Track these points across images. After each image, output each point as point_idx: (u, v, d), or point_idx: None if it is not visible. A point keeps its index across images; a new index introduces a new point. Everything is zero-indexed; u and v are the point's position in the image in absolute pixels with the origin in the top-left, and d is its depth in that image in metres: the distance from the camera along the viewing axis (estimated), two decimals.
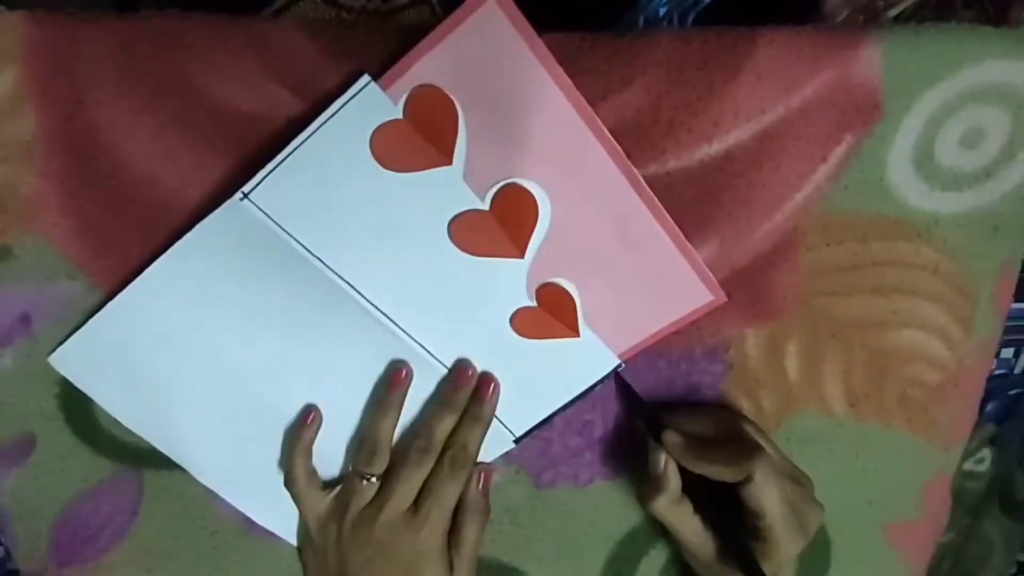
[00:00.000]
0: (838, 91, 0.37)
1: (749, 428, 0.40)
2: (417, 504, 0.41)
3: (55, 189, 0.38)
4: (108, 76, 0.36)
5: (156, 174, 0.38)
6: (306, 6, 0.49)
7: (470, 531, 0.42)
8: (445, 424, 0.41)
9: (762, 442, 0.39)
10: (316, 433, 0.42)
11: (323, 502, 0.42)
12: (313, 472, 0.43)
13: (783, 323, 0.42)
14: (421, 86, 0.35)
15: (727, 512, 0.39)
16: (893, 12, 0.48)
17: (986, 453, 0.68)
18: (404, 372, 0.41)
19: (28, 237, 0.39)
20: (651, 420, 0.41)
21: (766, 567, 0.38)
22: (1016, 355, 0.67)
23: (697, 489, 0.39)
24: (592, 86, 0.36)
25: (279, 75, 0.36)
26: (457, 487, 0.41)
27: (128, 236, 0.39)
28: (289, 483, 0.43)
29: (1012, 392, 0.68)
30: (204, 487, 0.44)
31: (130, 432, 0.43)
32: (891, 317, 0.42)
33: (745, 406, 0.44)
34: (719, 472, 0.38)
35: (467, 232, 0.38)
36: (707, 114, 0.37)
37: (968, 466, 0.68)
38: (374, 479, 0.41)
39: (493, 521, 0.46)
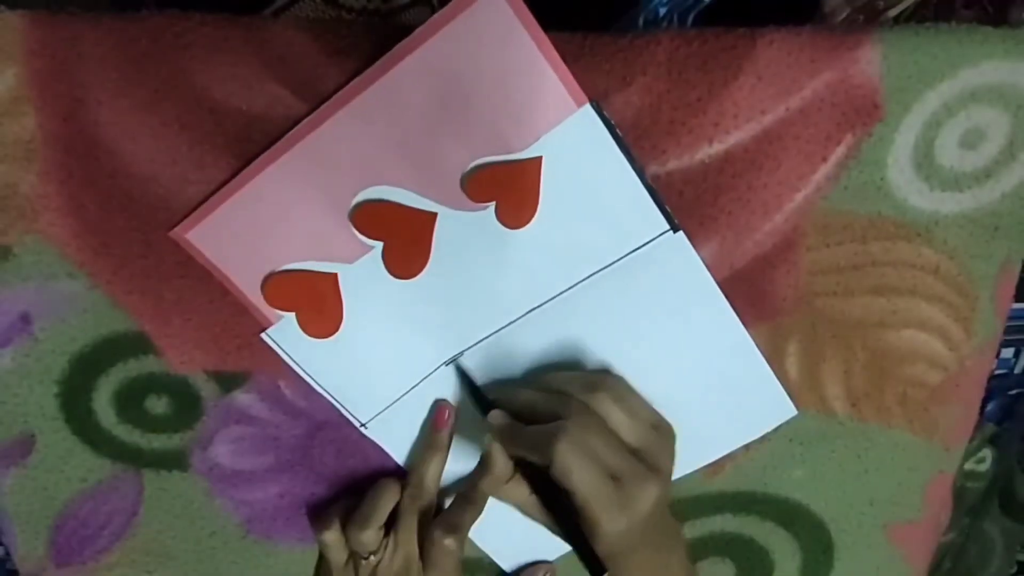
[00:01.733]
0: (838, 92, 0.37)
1: (581, 395, 0.38)
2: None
3: (55, 189, 0.38)
4: (108, 76, 0.36)
5: (156, 174, 0.38)
6: (306, 6, 0.49)
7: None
8: (432, 467, 0.43)
9: (599, 404, 0.38)
10: (349, 507, 0.43)
11: (344, 557, 0.43)
12: (340, 534, 0.43)
13: (783, 323, 0.42)
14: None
15: (557, 492, 0.37)
16: (893, 12, 0.48)
17: (986, 453, 0.68)
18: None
19: (28, 237, 0.39)
20: (481, 399, 0.41)
21: (595, 544, 0.37)
22: (1016, 355, 0.67)
23: (533, 469, 0.38)
24: (593, 85, 0.36)
25: (279, 75, 0.36)
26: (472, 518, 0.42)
27: (128, 236, 0.39)
28: (319, 544, 0.44)
29: (1012, 392, 0.68)
30: (204, 487, 0.44)
31: (130, 432, 0.43)
32: (891, 317, 0.42)
33: None
34: (528, 455, 0.37)
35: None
36: (707, 114, 0.37)
37: (969, 466, 0.68)
38: (371, 557, 0.42)
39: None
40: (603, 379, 0.40)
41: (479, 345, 0.41)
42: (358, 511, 0.42)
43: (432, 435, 0.43)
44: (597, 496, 0.35)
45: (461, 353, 0.42)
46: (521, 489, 0.40)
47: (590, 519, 0.36)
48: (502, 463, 0.39)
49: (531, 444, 0.37)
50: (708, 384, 0.42)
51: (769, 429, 0.44)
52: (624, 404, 0.39)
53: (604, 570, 0.37)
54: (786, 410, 0.44)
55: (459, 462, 0.44)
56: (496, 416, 0.39)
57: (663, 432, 0.41)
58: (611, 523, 0.36)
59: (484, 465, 0.39)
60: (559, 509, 0.39)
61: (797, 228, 0.40)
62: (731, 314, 0.41)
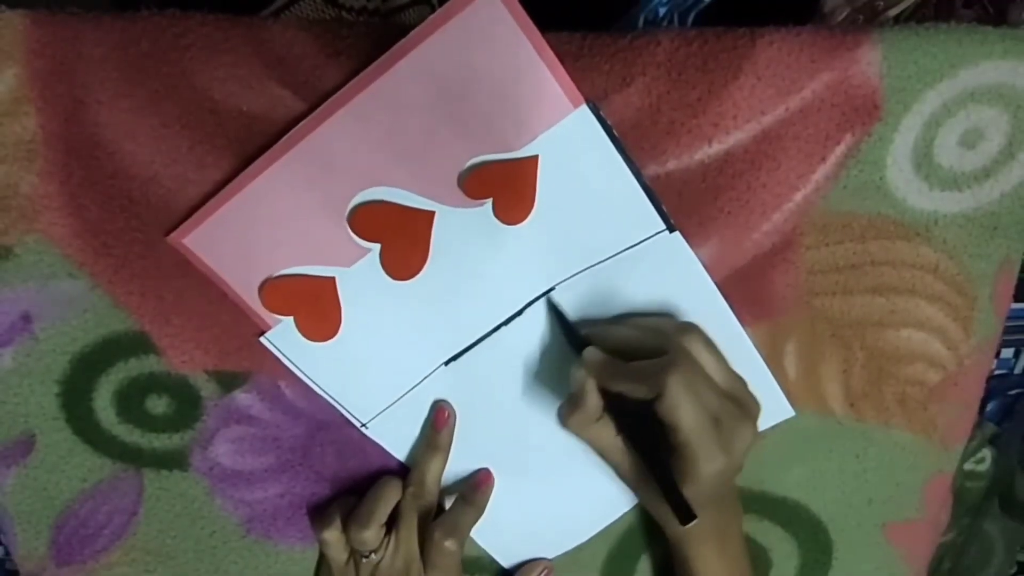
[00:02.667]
0: (838, 91, 0.37)
1: (677, 337, 0.37)
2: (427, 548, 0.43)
3: (56, 189, 0.38)
4: (109, 76, 0.36)
5: (157, 174, 0.38)
6: (306, 6, 0.49)
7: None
8: (433, 466, 0.43)
9: (693, 348, 0.37)
10: (351, 506, 0.43)
11: (345, 555, 0.43)
12: (341, 534, 0.43)
13: (782, 323, 0.42)
14: None
15: (654, 432, 0.37)
16: (893, 12, 0.49)
17: (986, 453, 0.68)
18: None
19: (29, 237, 0.39)
20: (573, 336, 0.40)
21: (687, 488, 0.36)
22: (1016, 355, 0.67)
23: (624, 409, 0.38)
24: (592, 86, 0.36)
25: (279, 75, 0.36)
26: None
27: (129, 236, 0.39)
28: (320, 543, 0.44)
29: (1012, 392, 0.68)
30: (204, 487, 0.44)
31: (131, 432, 0.43)
32: (890, 317, 0.42)
33: None
34: (633, 389, 0.36)
35: None
36: (707, 115, 0.37)
37: (968, 466, 0.68)
38: (372, 556, 0.42)
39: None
40: (693, 324, 0.40)
41: (475, 348, 0.41)
42: (359, 510, 0.42)
43: (432, 435, 0.43)
44: (700, 433, 0.35)
45: (455, 358, 0.42)
46: (607, 431, 0.39)
47: (690, 457, 0.35)
48: (594, 400, 0.38)
49: (638, 377, 0.36)
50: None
51: (765, 428, 0.44)
52: (713, 350, 0.38)
53: (694, 516, 0.35)
54: (783, 410, 0.44)
55: (460, 462, 0.44)
56: (592, 352, 0.38)
57: (744, 383, 0.40)
58: (710, 463, 0.35)
59: (575, 402, 0.38)
60: (650, 451, 0.38)
61: (796, 228, 0.40)
62: (729, 313, 0.41)
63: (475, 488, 0.44)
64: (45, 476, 0.43)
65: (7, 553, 0.46)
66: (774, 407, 0.43)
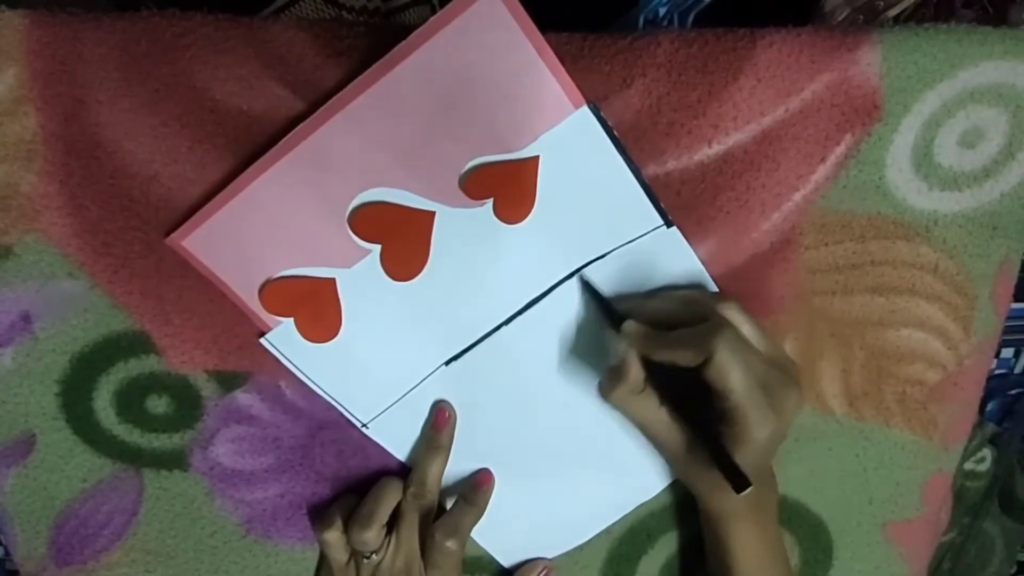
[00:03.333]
0: (838, 92, 0.37)
1: (715, 306, 0.37)
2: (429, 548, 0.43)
3: (56, 189, 0.38)
4: (109, 76, 0.36)
5: (157, 173, 0.38)
6: (306, 6, 0.49)
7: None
8: (435, 467, 0.44)
9: (731, 317, 0.37)
10: (352, 506, 0.43)
11: (346, 556, 0.43)
12: (342, 533, 0.43)
13: (781, 322, 0.42)
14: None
15: (698, 402, 0.37)
16: (892, 12, 0.49)
17: (986, 453, 0.68)
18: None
19: (29, 236, 0.39)
20: (610, 311, 0.40)
21: (739, 455, 0.35)
22: (1016, 355, 0.67)
23: (666, 381, 0.38)
24: (592, 87, 0.36)
25: (279, 74, 0.36)
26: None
27: (129, 235, 0.39)
28: (320, 543, 0.44)
29: (1012, 392, 0.68)
30: (204, 487, 0.44)
31: (131, 432, 0.43)
32: (890, 316, 0.42)
33: None
34: (680, 356, 0.35)
35: None
36: (707, 116, 0.37)
37: (969, 466, 0.68)
38: (373, 556, 0.42)
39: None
40: (728, 295, 0.39)
41: (476, 347, 0.41)
42: (360, 510, 0.42)
43: (433, 435, 0.43)
44: (751, 396, 0.35)
45: (456, 357, 0.42)
46: (650, 403, 0.38)
47: (741, 421, 0.35)
48: (637, 371, 0.37)
49: (684, 343, 0.35)
50: None
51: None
52: (750, 319, 0.38)
53: (749, 483, 0.34)
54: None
55: (460, 462, 0.44)
56: (632, 324, 0.37)
57: (782, 348, 0.40)
58: (762, 426, 0.35)
59: (618, 375, 0.37)
60: (698, 419, 0.37)
61: (795, 227, 0.40)
62: None
63: (476, 488, 0.44)
64: (45, 476, 0.43)
65: (7, 553, 0.46)
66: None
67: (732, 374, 0.34)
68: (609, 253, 0.39)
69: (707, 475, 0.37)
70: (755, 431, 0.35)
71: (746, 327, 0.37)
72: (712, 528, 0.42)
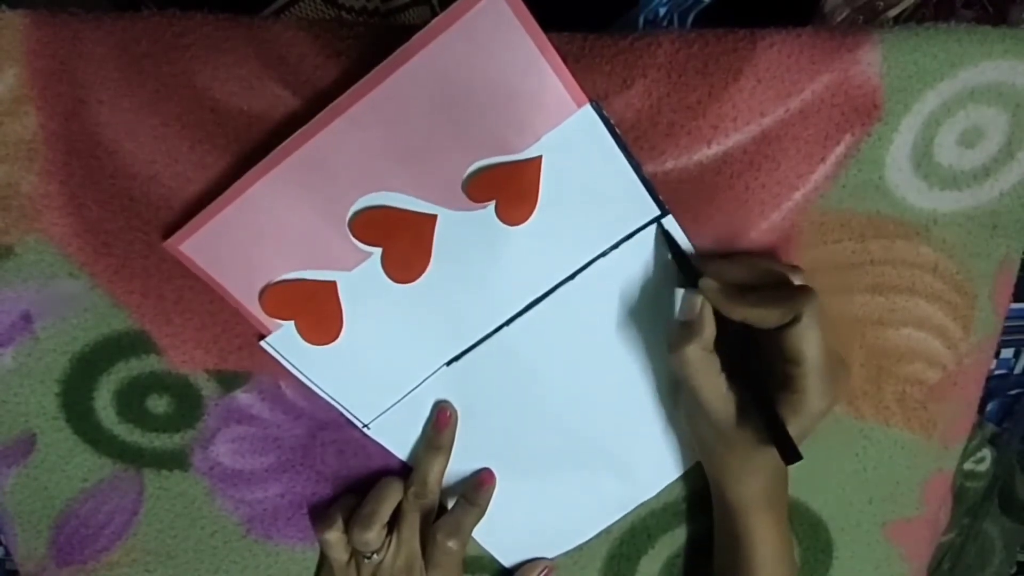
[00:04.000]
0: (838, 92, 0.37)
1: (794, 277, 0.37)
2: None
3: (56, 189, 0.38)
4: (109, 76, 0.36)
5: (157, 173, 0.38)
6: (306, 6, 0.49)
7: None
8: (436, 467, 0.44)
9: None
10: (352, 506, 0.44)
11: (346, 555, 0.43)
12: (343, 534, 0.43)
13: None
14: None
15: (755, 372, 0.37)
16: (892, 12, 0.48)
17: (986, 453, 0.68)
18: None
19: (30, 236, 0.39)
20: (688, 266, 0.39)
21: (792, 425, 0.35)
22: (1016, 355, 0.67)
23: (725, 349, 0.38)
24: (593, 87, 0.36)
25: (280, 74, 0.36)
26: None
27: (129, 235, 0.39)
28: (321, 543, 0.44)
29: (1012, 392, 0.68)
30: (204, 487, 0.44)
31: (131, 431, 0.43)
32: (889, 316, 0.42)
33: None
34: (764, 315, 0.35)
35: None
36: (707, 117, 0.37)
37: (968, 466, 0.68)
38: (374, 556, 0.42)
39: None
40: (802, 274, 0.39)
41: (478, 347, 0.41)
42: (361, 511, 0.42)
43: (434, 435, 0.43)
44: (821, 366, 0.35)
45: (457, 358, 0.42)
46: (713, 366, 0.37)
47: (804, 390, 0.35)
48: (711, 329, 0.37)
49: (773, 303, 0.35)
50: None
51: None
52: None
53: (800, 455, 0.34)
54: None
55: (461, 462, 0.44)
56: (710, 281, 0.37)
57: None
58: (821, 398, 0.35)
59: (693, 330, 0.37)
60: (757, 386, 0.37)
61: (795, 226, 0.40)
62: None
63: (477, 488, 0.44)
64: (45, 476, 0.43)
65: (7, 553, 0.46)
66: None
67: (811, 340, 0.34)
68: (610, 251, 0.39)
69: (739, 458, 0.37)
70: (816, 401, 0.35)
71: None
72: (729, 520, 0.42)
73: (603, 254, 0.40)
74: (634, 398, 0.43)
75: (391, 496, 0.43)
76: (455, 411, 0.43)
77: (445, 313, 0.40)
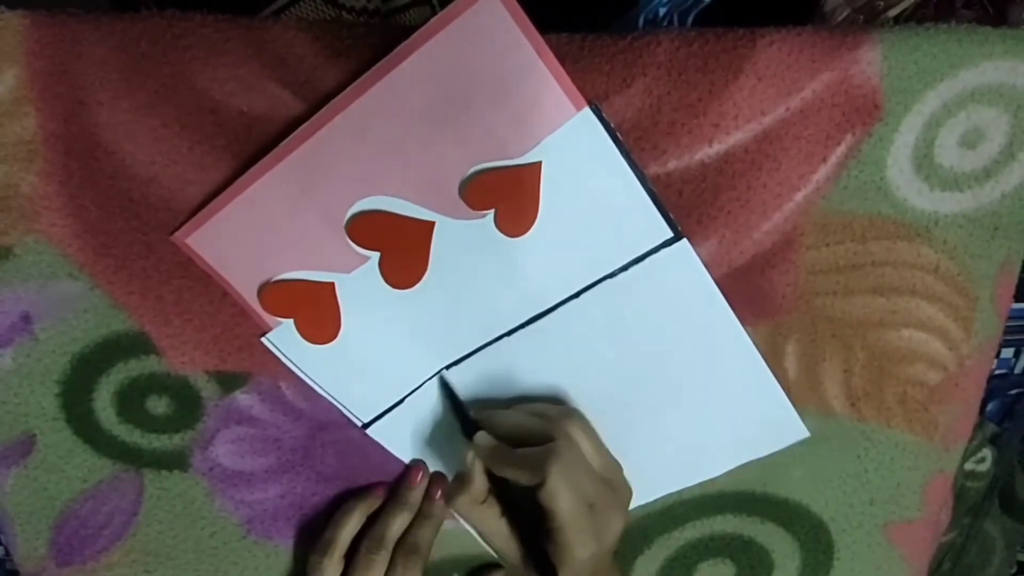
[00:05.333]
0: (838, 92, 0.37)
1: (560, 421, 0.39)
2: None
3: (56, 189, 0.38)
4: (109, 76, 0.36)
5: (157, 174, 0.38)
6: (306, 6, 0.49)
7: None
8: (397, 524, 0.43)
9: (574, 432, 0.38)
10: (343, 533, 0.43)
11: None
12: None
13: (782, 323, 0.42)
14: None
15: (532, 517, 0.38)
16: (893, 12, 0.48)
17: (987, 453, 0.68)
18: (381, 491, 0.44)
19: (29, 237, 0.39)
20: (465, 419, 0.41)
21: (561, 572, 0.37)
22: (1016, 355, 0.67)
23: (510, 492, 0.39)
24: (593, 86, 0.36)
25: (279, 75, 0.36)
26: None
27: (129, 236, 0.39)
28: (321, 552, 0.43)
29: (1012, 392, 0.68)
30: (204, 488, 0.44)
31: (131, 432, 0.43)
32: (891, 317, 0.42)
33: None
34: (517, 476, 0.37)
35: None
36: (707, 115, 0.37)
37: (969, 466, 0.68)
38: None
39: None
40: (573, 409, 0.41)
41: (477, 355, 0.41)
42: (321, 537, 0.43)
43: (402, 492, 0.44)
44: (576, 521, 0.36)
45: (456, 362, 0.42)
46: (492, 513, 0.40)
47: (564, 544, 0.36)
48: (481, 483, 0.39)
49: (523, 464, 0.37)
50: (713, 397, 0.43)
51: (777, 449, 0.44)
52: (593, 435, 0.40)
53: None
54: (797, 431, 0.43)
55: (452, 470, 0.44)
56: (483, 436, 0.39)
57: (620, 468, 0.42)
58: (582, 549, 0.36)
59: (463, 484, 0.39)
60: (529, 535, 0.39)
61: (796, 227, 0.40)
62: (737, 326, 0.41)
63: (405, 485, 0.44)
64: (45, 476, 0.43)
65: (7, 553, 0.46)
66: (786, 427, 0.43)
67: (560, 499, 0.35)
68: (618, 272, 0.39)
69: None
70: (577, 552, 0.36)
71: (587, 444, 0.39)
72: None
73: (611, 275, 0.39)
74: (631, 418, 0.43)
75: (351, 526, 0.43)
76: (427, 471, 0.44)
77: (445, 318, 0.40)
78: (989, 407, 0.68)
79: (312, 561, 0.42)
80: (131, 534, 0.45)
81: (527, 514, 0.39)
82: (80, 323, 0.40)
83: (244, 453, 0.44)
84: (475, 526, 0.40)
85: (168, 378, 0.42)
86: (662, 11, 0.47)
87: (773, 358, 0.43)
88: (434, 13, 0.48)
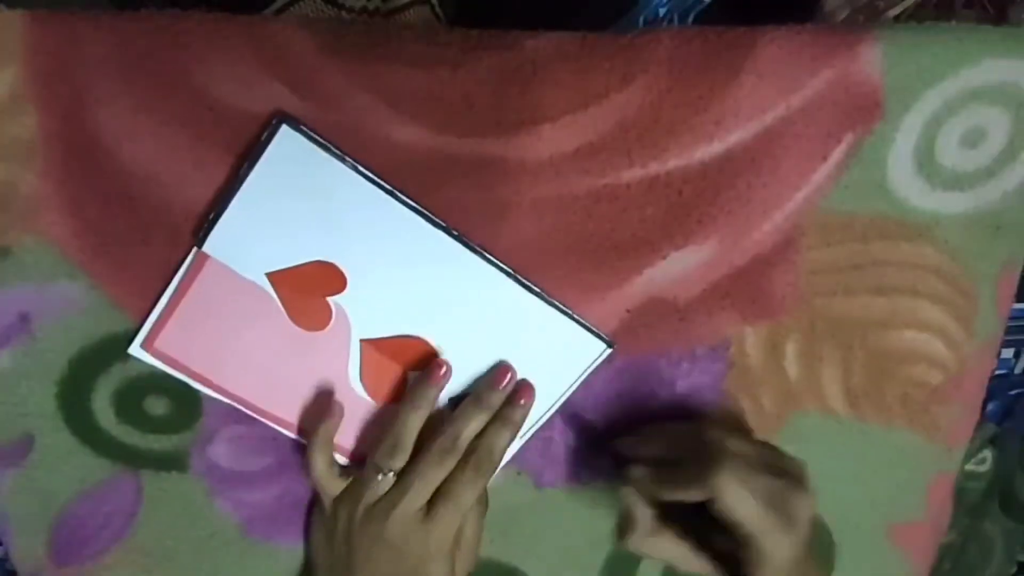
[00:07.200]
0: (839, 91, 0.37)
1: (710, 435, 0.38)
2: (432, 503, 0.39)
3: (55, 189, 0.38)
4: (108, 75, 0.36)
5: (156, 173, 0.38)
6: (306, 6, 0.49)
7: (472, 526, 0.42)
8: (474, 425, 0.40)
9: (728, 443, 0.37)
10: (338, 425, 0.42)
11: (340, 488, 0.42)
12: (333, 460, 0.42)
13: (782, 323, 0.42)
14: None
15: (714, 530, 0.37)
16: (893, 12, 0.48)
17: (987, 453, 0.68)
18: (443, 369, 0.40)
19: (28, 237, 0.38)
20: (618, 456, 0.41)
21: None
22: (1016, 355, 0.67)
23: (685, 511, 0.38)
24: (593, 85, 0.36)
25: (279, 72, 0.36)
26: (476, 491, 0.40)
27: (128, 236, 0.39)
28: (309, 470, 0.41)
29: (1012, 392, 0.68)
30: (203, 488, 0.44)
31: (130, 433, 0.43)
32: (892, 317, 0.42)
33: (746, 405, 0.44)
34: (686, 495, 0.36)
35: None
36: (708, 113, 0.37)
37: (969, 466, 0.68)
38: (391, 474, 0.40)
39: (493, 522, 0.46)
40: (708, 418, 0.41)
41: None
42: (383, 438, 0.40)
43: (484, 393, 0.41)
44: (764, 523, 0.35)
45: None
46: (669, 540, 0.39)
47: (759, 549, 0.35)
48: (646, 516, 0.38)
49: (689, 483, 0.36)
50: (515, 342, 0.42)
51: (588, 367, 0.42)
52: (735, 428, 0.39)
53: None
54: (596, 346, 0.42)
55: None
56: (637, 470, 0.38)
57: (775, 447, 0.40)
58: (779, 550, 0.35)
59: (628, 523, 0.38)
60: (716, 549, 0.38)
61: (797, 227, 0.40)
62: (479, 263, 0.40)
63: (493, 394, 0.41)
64: (44, 477, 0.43)
65: (6, 553, 0.46)
66: (587, 346, 0.42)
67: (739, 508, 0.34)
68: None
69: None
70: (774, 555, 0.35)
71: (734, 440, 0.38)
72: None
73: None
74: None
75: (419, 420, 0.40)
76: (516, 374, 0.41)
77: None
78: (989, 407, 0.68)
79: (375, 464, 0.40)
80: (130, 534, 0.44)
81: (709, 530, 0.37)
82: (79, 323, 0.40)
83: (243, 453, 0.44)
84: (658, 558, 0.39)
85: (167, 379, 0.42)
86: (662, 11, 0.47)
87: (774, 359, 0.43)
88: (433, 12, 0.48)
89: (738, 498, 0.34)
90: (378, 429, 0.42)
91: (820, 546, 0.47)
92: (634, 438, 0.40)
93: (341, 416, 0.42)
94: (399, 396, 0.42)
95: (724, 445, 0.37)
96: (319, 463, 0.41)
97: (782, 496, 0.36)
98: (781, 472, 0.37)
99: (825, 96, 0.37)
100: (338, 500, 0.42)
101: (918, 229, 0.40)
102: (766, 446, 0.39)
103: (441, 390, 0.41)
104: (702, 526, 0.36)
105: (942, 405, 0.44)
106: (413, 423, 0.40)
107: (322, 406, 0.42)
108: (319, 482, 0.42)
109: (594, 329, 0.41)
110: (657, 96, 0.37)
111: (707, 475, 0.35)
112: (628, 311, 0.42)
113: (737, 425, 0.39)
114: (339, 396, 0.42)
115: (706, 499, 0.35)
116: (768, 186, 0.39)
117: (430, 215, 0.38)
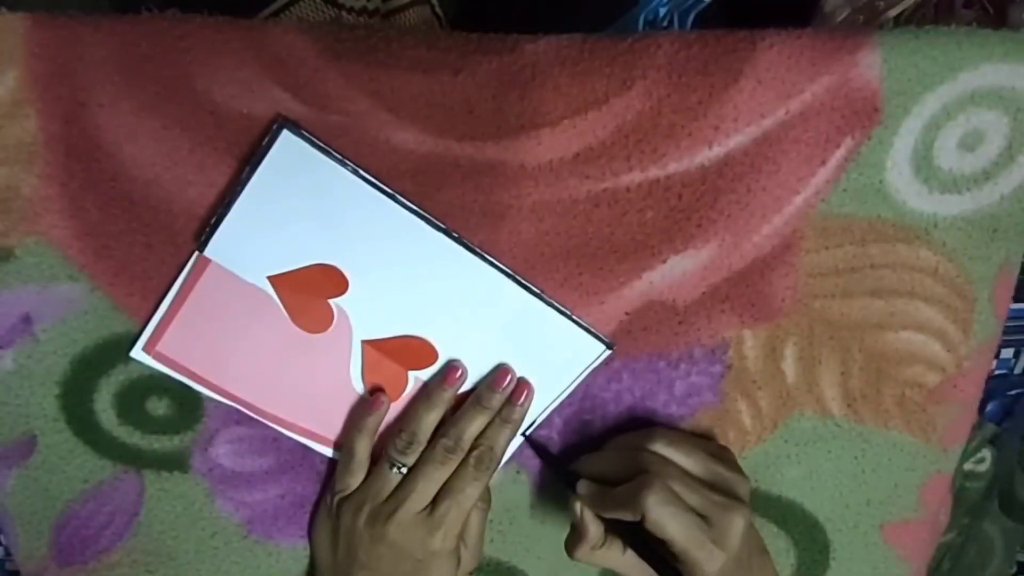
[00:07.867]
0: (838, 95, 0.37)
1: (643, 457, 0.39)
2: (435, 502, 0.41)
3: (57, 191, 0.38)
4: (109, 78, 0.36)
5: (157, 176, 0.38)
6: (306, 6, 0.49)
7: (475, 524, 0.43)
8: (476, 424, 0.41)
9: (658, 465, 0.38)
10: (383, 417, 0.42)
11: (360, 481, 0.42)
12: (370, 452, 0.42)
13: (781, 325, 0.42)
14: None
15: (655, 544, 0.38)
16: (893, 12, 0.48)
17: (986, 453, 0.68)
18: (460, 372, 0.42)
19: (30, 239, 0.39)
20: (564, 472, 0.42)
21: None
22: (1016, 355, 0.67)
23: (626, 526, 0.39)
24: (593, 90, 0.36)
25: (279, 77, 0.36)
26: (478, 489, 0.41)
27: (129, 238, 0.39)
28: (346, 456, 0.42)
29: (1012, 392, 0.68)
30: (204, 488, 0.44)
31: (131, 433, 0.43)
32: (890, 319, 0.42)
33: (744, 407, 0.44)
34: (621, 514, 0.37)
35: None
36: (707, 118, 0.37)
37: (968, 466, 0.68)
38: (404, 470, 0.41)
39: (493, 521, 0.46)
40: (655, 429, 0.42)
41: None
42: (399, 432, 0.41)
43: (485, 394, 0.42)
44: (692, 539, 0.36)
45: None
46: (615, 552, 0.40)
47: (691, 563, 0.37)
48: (595, 528, 0.39)
49: (622, 502, 0.37)
50: (515, 343, 0.42)
51: (586, 367, 0.43)
52: (682, 443, 0.40)
53: None
54: (595, 347, 0.42)
55: None
56: (584, 485, 0.39)
57: (725, 458, 0.42)
58: (711, 562, 0.36)
59: (577, 533, 0.40)
60: (657, 560, 0.39)
61: (796, 231, 0.40)
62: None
63: (494, 395, 0.42)
64: (46, 477, 0.43)
65: (8, 553, 0.46)
66: (585, 346, 0.42)
67: (667, 527, 0.36)
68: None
69: None
70: (705, 567, 0.36)
71: (680, 457, 0.39)
72: None
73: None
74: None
75: (435, 417, 0.42)
76: (515, 375, 0.42)
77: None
78: (988, 407, 0.68)
79: (390, 458, 0.41)
80: (132, 534, 0.45)
81: (651, 544, 0.39)
82: (81, 324, 0.40)
83: (244, 453, 0.44)
84: (606, 567, 0.41)
85: (168, 379, 0.42)
86: (662, 11, 0.47)
87: (772, 361, 0.43)
88: (433, 12, 0.48)
89: (664, 516, 0.36)
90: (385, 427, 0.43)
91: (814, 544, 0.48)
92: (590, 456, 0.42)
93: (387, 411, 0.43)
94: (400, 396, 0.43)
95: (655, 467, 0.38)
96: (360, 451, 0.42)
97: (715, 512, 0.37)
98: (715, 487, 0.39)
99: (824, 101, 0.37)
100: (344, 499, 0.42)
101: (916, 232, 0.40)
102: (710, 460, 0.40)
103: (456, 392, 0.42)
104: (652, 536, 0.37)
105: (939, 406, 0.44)
106: (429, 421, 0.41)
107: (325, 406, 0.43)
108: (352, 468, 0.42)
109: (593, 330, 0.41)
110: (657, 101, 0.37)
111: (636, 496, 0.36)
112: (627, 314, 0.42)
113: (681, 440, 0.40)
114: (341, 397, 0.43)
115: (638, 519, 0.36)
116: (767, 190, 0.39)
117: (430, 218, 0.38)
